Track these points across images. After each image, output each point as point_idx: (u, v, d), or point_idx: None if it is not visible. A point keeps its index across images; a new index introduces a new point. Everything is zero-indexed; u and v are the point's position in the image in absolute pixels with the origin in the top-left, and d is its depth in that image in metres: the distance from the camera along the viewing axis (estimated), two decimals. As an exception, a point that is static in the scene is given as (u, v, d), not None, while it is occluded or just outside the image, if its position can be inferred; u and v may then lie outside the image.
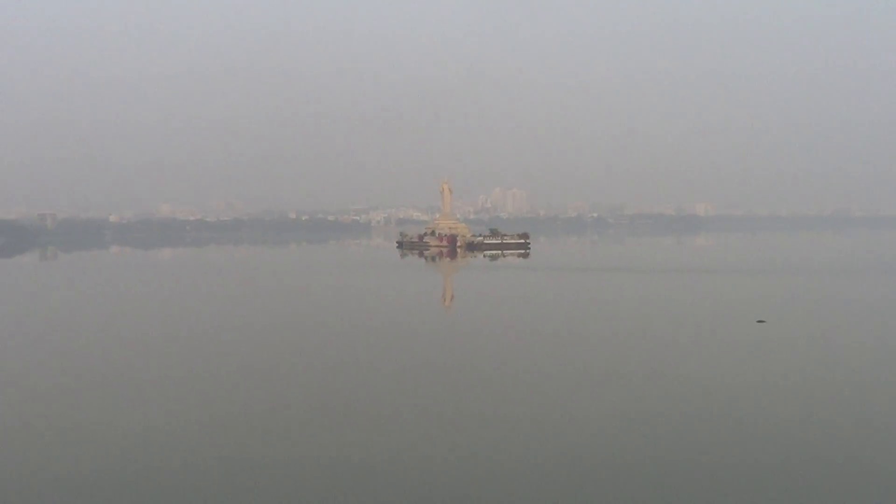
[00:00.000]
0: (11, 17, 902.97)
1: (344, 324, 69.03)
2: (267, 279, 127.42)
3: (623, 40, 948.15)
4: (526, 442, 32.08)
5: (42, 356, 55.58)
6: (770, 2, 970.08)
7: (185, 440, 33.52)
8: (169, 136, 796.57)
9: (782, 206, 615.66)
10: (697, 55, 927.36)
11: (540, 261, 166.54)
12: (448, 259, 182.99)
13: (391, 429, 34.55)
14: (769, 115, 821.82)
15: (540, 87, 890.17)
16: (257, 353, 54.63)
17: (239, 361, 51.21)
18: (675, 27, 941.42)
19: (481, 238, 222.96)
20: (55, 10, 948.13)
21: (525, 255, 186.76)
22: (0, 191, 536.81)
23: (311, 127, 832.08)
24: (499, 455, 30.43)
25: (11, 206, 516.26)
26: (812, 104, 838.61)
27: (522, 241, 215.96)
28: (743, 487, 26.78)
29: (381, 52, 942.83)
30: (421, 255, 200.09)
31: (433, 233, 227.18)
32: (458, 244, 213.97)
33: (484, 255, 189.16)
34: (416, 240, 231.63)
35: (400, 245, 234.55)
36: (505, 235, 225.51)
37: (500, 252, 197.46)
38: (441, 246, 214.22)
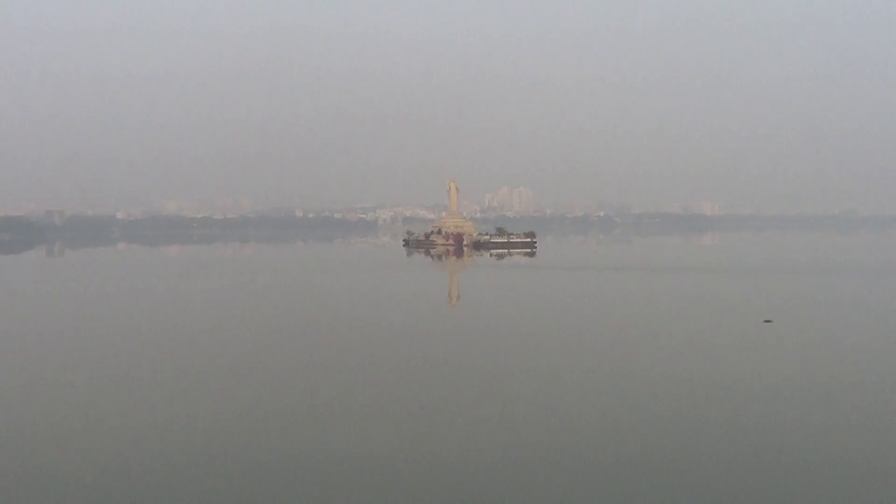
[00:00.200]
0: (20, 17, 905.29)
1: (350, 323, 69.10)
2: (274, 277, 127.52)
3: (631, 40, 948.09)
4: (532, 442, 32.07)
5: (47, 355, 55.72)
6: (778, 4, 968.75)
7: (194, 437, 33.58)
8: (176, 133, 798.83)
9: (789, 205, 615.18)
10: (705, 55, 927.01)
11: (546, 260, 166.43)
12: (454, 258, 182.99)
13: (396, 428, 34.55)
14: (777, 115, 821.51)
15: (547, 87, 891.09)
16: (264, 351, 54.72)
17: (246, 359, 51.27)
18: (682, 27, 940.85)
19: (488, 237, 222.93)
20: (63, 9, 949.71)
21: (531, 254, 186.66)
22: (8, 187, 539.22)
23: (319, 125, 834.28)
24: (507, 455, 30.43)
25: (19, 202, 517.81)
26: (819, 105, 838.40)
27: (529, 240, 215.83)
28: (751, 487, 26.75)
29: (389, 50, 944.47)
30: (427, 253, 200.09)
31: (440, 231, 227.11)
32: (465, 243, 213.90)
33: (490, 254, 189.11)
34: (423, 238, 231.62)
35: (406, 243, 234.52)
36: (511, 234, 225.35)
37: (506, 251, 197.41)
38: (447, 244, 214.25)
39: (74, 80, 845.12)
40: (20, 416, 37.73)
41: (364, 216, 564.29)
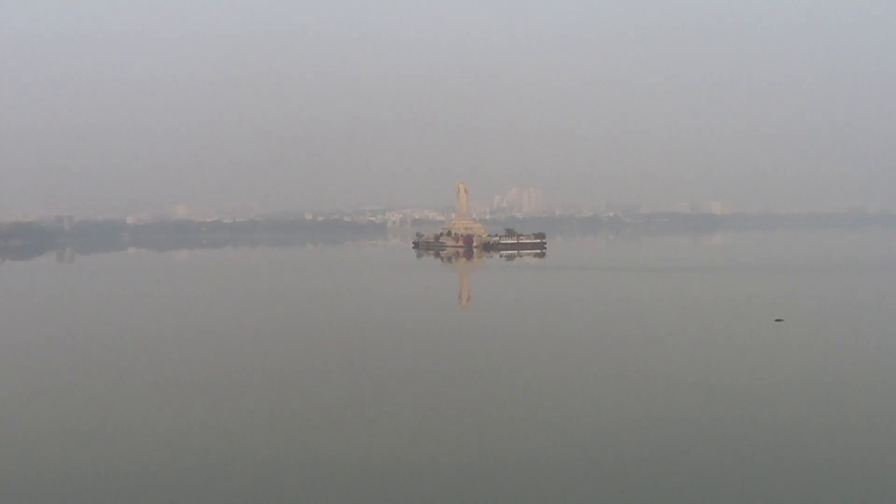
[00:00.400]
0: (32, 24, 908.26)
1: (361, 325, 69.25)
2: (284, 280, 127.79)
3: (639, 42, 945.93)
4: (545, 443, 32.23)
5: (55, 359, 56.09)
6: (787, 4, 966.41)
7: (207, 438, 33.80)
8: (185, 138, 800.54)
9: (798, 204, 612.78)
10: (713, 56, 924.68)
11: (556, 261, 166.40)
12: (464, 259, 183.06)
13: (407, 429, 34.76)
14: (785, 114, 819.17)
15: (556, 88, 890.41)
16: (277, 353, 54.92)
17: (258, 361, 51.51)
18: (690, 28, 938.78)
19: (497, 238, 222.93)
20: (74, 14, 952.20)
21: (541, 255, 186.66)
22: (18, 193, 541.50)
23: (327, 128, 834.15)
24: (519, 455, 30.60)
25: (29, 208, 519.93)
26: (828, 103, 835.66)
27: (538, 240, 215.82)
28: (763, 486, 26.88)
29: (399, 53, 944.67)
30: (437, 255, 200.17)
31: (449, 233, 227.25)
32: (475, 244, 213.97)
33: (500, 255, 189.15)
34: (433, 240, 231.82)
35: (416, 245, 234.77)
36: (521, 235, 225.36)
37: (516, 252, 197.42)
38: (457, 246, 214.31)
39: (84, 85, 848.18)
40: (29, 418, 38.03)
41: (373, 218, 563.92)
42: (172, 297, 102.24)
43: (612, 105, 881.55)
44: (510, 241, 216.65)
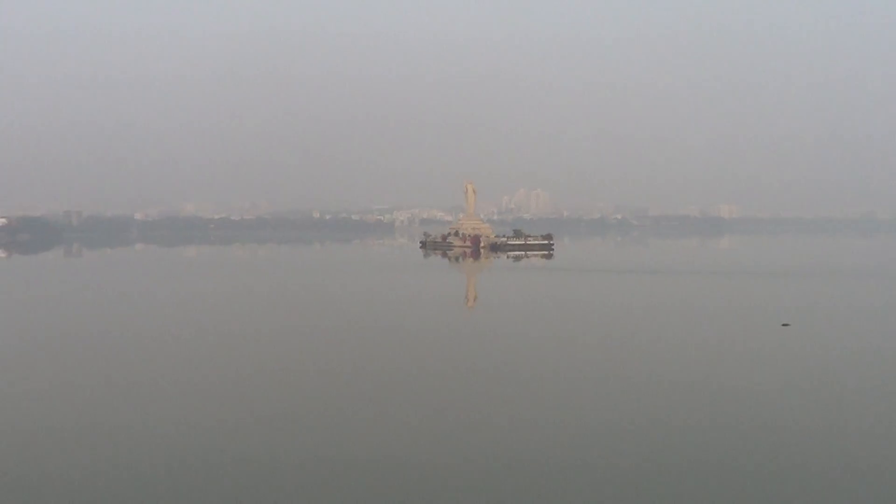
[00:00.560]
0: (39, 21, 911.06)
1: (368, 324, 69.30)
2: (291, 278, 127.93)
3: (650, 44, 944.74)
4: (550, 444, 32.18)
5: (60, 355, 56.16)
6: (798, 9, 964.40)
7: (213, 436, 33.82)
8: (194, 135, 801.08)
9: (807, 208, 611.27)
10: (723, 60, 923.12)
11: (563, 262, 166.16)
12: (471, 259, 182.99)
13: (413, 428, 34.78)
14: (795, 119, 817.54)
15: (565, 89, 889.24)
16: (284, 351, 55.00)
17: (266, 359, 51.55)
18: (701, 32, 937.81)
19: (505, 239, 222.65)
20: (83, 12, 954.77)
21: (548, 256, 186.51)
22: (27, 188, 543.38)
23: (336, 127, 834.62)
24: (524, 456, 30.55)
25: (38, 202, 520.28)
26: (838, 108, 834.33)
27: (546, 242, 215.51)
28: (767, 490, 26.79)
29: (407, 53, 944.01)
30: (444, 255, 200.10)
31: (457, 233, 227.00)
32: (482, 245, 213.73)
33: (507, 256, 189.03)
34: (440, 240, 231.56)
35: (423, 245, 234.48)
36: (528, 236, 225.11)
37: (523, 253, 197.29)
38: (465, 246, 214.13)
39: (93, 82, 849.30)
40: (30, 416, 38.07)
41: (381, 218, 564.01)
42: (179, 294, 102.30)
43: (621, 107, 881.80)
44: (518, 242, 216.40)
